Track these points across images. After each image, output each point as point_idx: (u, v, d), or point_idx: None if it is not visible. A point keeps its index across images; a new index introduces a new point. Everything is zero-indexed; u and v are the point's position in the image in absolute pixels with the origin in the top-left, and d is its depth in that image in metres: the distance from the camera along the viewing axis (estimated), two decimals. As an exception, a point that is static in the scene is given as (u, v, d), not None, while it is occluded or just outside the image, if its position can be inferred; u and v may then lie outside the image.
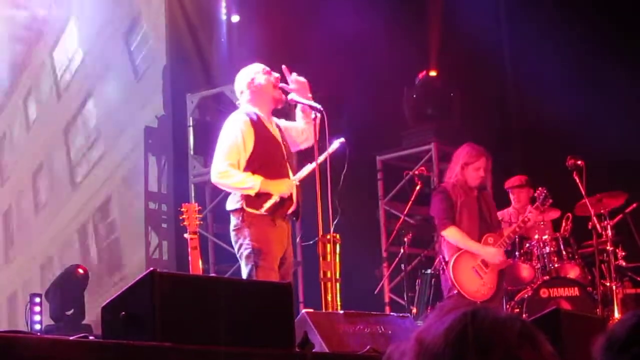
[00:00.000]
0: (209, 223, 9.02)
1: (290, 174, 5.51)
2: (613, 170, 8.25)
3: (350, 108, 8.46)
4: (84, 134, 9.51)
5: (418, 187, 7.56)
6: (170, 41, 9.48)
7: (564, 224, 7.46)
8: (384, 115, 9.31)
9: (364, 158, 9.08)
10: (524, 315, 6.42)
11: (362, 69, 9.17)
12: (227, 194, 5.56)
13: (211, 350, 3.36)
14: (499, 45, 10.08)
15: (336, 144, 5.49)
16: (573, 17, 9.12)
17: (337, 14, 8.84)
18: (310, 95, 5.58)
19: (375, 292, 8.43)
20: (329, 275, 5.16)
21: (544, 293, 7.04)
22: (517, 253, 7.34)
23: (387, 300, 8.95)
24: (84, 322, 7.37)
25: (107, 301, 3.45)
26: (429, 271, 7.44)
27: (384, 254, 8.96)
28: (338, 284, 5.17)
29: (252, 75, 5.58)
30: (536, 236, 7.36)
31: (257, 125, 5.46)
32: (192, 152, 8.99)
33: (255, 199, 5.34)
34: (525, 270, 7.36)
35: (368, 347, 4.20)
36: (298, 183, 5.48)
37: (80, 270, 7.74)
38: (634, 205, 7.58)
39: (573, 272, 7.33)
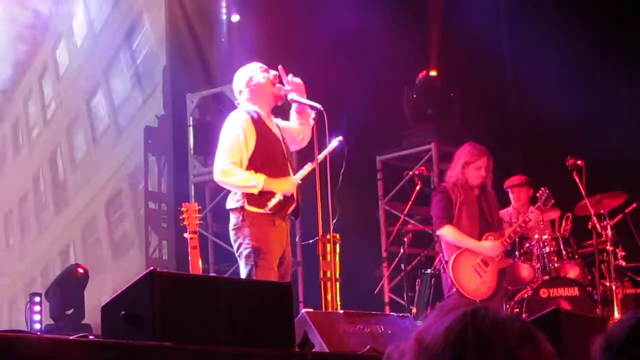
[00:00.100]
0: (209, 223, 9.03)
1: (291, 172, 5.51)
2: (613, 170, 8.24)
3: (350, 108, 8.44)
4: (84, 133, 9.51)
5: (418, 187, 7.57)
6: (170, 41, 9.47)
7: (564, 224, 7.46)
8: (384, 115, 9.31)
9: (364, 158, 9.08)
10: (523, 315, 6.41)
11: (362, 68, 9.16)
12: (227, 194, 5.55)
13: (211, 350, 3.36)
14: (499, 45, 10.07)
15: (335, 142, 5.49)
16: (573, 17, 9.10)
17: (337, 13, 8.84)
18: (305, 96, 5.58)
19: (375, 292, 8.44)
20: (328, 275, 5.16)
21: (543, 293, 7.03)
22: (517, 253, 7.33)
23: (387, 300, 8.95)
24: (84, 321, 7.38)
25: (107, 301, 3.45)
26: (428, 271, 7.44)
27: (384, 254, 8.96)
28: (338, 284, 5.17)
29: (250, 74, 5.57)
30: (536, 236, 7.34)
31: (258, 123, 5.44)
32: (192, 152, 8.98)
33: (258, 198, 5.32)
34: (525, 270, 7.35)
35: (368, 346, 4.20)
36: (300, 182, 5.48)
37: (80, 270, 7.75)
38: (634, 205, 7.58)
39: (573, 272, 7.33)
